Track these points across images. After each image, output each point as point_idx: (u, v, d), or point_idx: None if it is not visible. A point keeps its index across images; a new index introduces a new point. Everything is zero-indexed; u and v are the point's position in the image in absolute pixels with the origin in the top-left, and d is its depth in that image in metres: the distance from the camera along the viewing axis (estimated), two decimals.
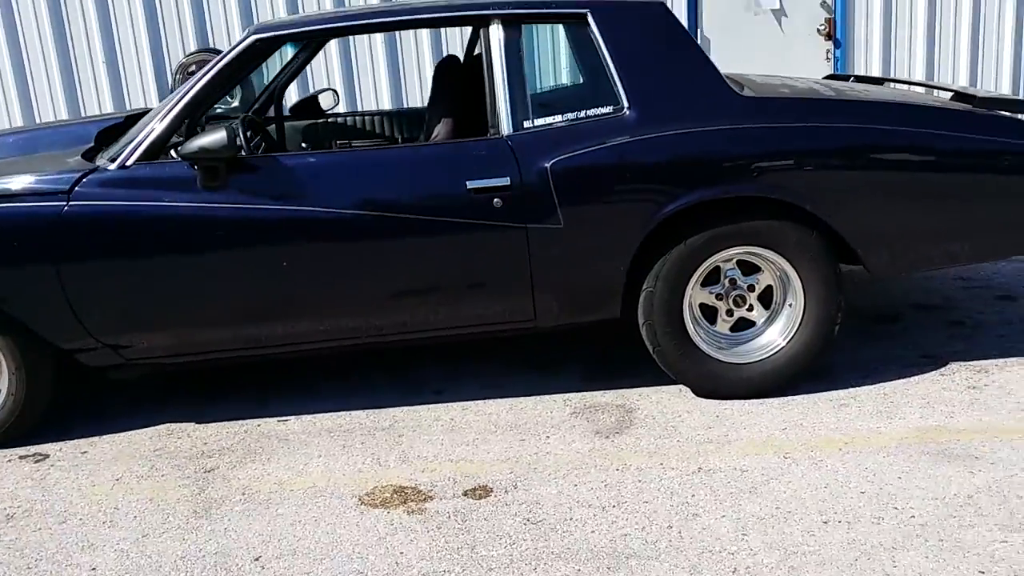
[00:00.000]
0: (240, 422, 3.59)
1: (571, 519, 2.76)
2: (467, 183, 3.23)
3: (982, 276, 4.64)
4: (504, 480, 3.02)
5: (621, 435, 3.28)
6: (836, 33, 6.61)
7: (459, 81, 3.73)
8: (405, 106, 6.51)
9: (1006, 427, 3.13)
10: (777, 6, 6.52)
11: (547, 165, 3.22)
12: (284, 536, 2.78)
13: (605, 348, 4.03)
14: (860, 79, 4.52)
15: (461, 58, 4.49)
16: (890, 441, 3.09)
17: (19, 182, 3.30)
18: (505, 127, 3.29)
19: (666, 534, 2.65)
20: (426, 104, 4.07)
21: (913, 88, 4.28)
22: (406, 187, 3.26)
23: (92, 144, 3.79)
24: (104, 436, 3.56)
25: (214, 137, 3.11)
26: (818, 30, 6.64)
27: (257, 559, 2.68)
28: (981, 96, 3.50)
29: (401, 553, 2.65)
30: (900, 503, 2.71)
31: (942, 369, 3.61)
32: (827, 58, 6.67)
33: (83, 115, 6.67)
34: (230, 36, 6.64)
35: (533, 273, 3.32)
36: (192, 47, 6.68)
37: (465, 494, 2.95)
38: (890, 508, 2.69)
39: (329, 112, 4.98)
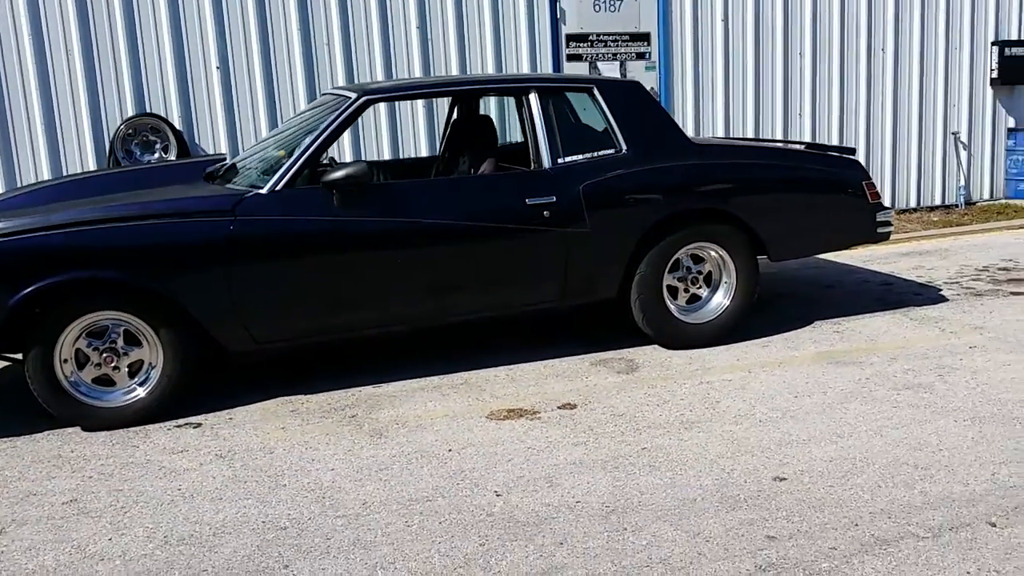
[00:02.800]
0: (342, 391, 4.63)
1: (641, 413, 4.17)
2: (527, 200, 4.61)
3: (810, 275, 6.66)
4: (578, 400, 4.37)
5: (636, 372, 4.74)
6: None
7: (486, 132, 5.12)
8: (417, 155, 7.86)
9: (866, 348, 4.97)
10: None
11: (579, 188, 4.69)
12: (454, 439, 3.95)
13: (579, 330, 5.48)
14: (733, 139, 6.40)
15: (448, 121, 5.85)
16: (805, 360, 4.81)
17: (186, 204, 4.24)
18: (546, 162, 4.73)
19: (707, 412, 4.14)
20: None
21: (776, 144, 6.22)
22: (485, 203, 4.58)
23: (202, 181, 4.74)
24: (235, 408, 4.46)
25: (357, 168, 4.27)
26: None
27: (449, 450, 3.83)
28: (829, 146, 5.45)
29: (547, 437, 3.93)
30: (830, 385, 4.41)
31: (813, 324, 5.44)
32: None
33: (19, 179, 7.15)
34: (166, 102, 7.44)
35: (567, 264, 4.73)
36: (130, 112, 7.39)
37: (559, 408, 4.27)
38: (827, 387, 4.38)
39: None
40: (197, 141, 7.56)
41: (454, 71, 8.05)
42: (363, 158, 7.73)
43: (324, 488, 3.52)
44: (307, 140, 4.45)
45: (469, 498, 3.38)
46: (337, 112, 4.53)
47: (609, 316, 5.26)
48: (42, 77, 7.12)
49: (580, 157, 4.80)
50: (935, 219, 9.08)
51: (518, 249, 4.64)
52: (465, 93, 5.23)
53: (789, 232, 5.16)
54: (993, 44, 9.51)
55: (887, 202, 9.25)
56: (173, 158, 7.37)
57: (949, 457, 3.54)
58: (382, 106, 7.80)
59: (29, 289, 3.96)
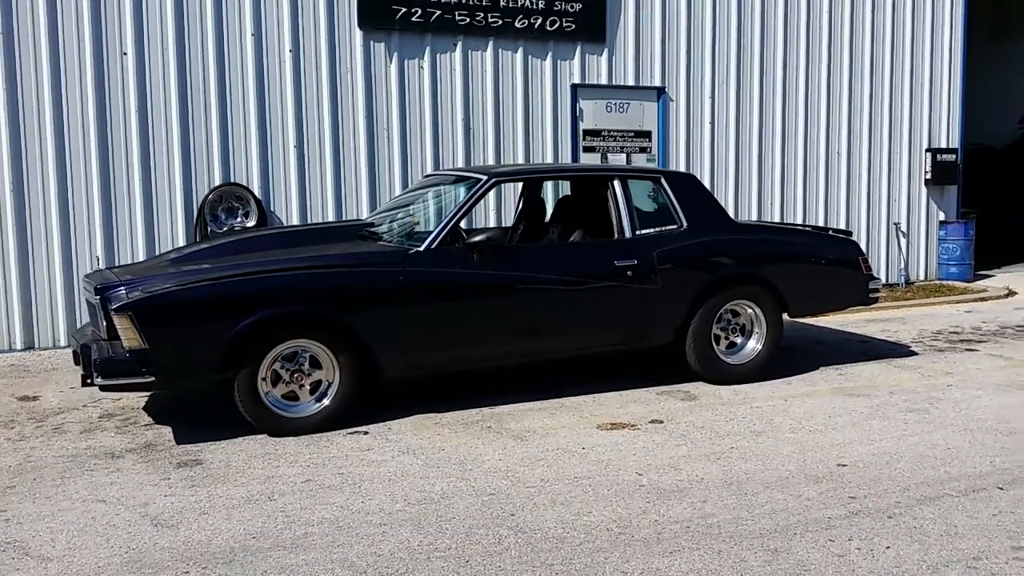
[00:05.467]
0: (466, 410, 5.74)
1: (716, 426, 5.42)
2: (615, 262, 5.90)
3: (800, 336, 8.08)
4: (662, 417, 5.59)
5: (696, 400, 6.00)
6: None
7: (573, 208, 6.42)
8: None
9: (869, 385, 6.35)
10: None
11: (654, 253, 6.00)
12: (581, 441, 5.11)
13: (633, 370, 6.73)
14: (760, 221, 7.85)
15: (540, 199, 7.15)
16: (825, 393, 6.15)
17: (368, 257, 5.39)
18: (627, 233, 6.04)
19: (767, 426, 5.41)
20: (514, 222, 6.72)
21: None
22: (586, 263, 5.85)
23: (358, 239, 5.92)
24: (388, 422, 5.52)
25: (494, 233, 5.50)
26: None
27: (583, 448, 4.99)
28: (831, 228, 6.93)
29: (652, 440, 5.13)
30: (852, 409, 5.74)
31: (819, 369, 6.82)
32: None
33: (116, 235, 8.10)
34: (248, 173, 8.52)
35: (642, 313, 6.01)
36: (217, 181, 8.44)
37: (650, 423, 5.48)
38: (850, 410, 5.71)
39: None
40: (273, 209, 8.65)
41: (491, 158, 9.38)
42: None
43: (503, 471, 4.64)
44: (450, 210, 5.67)
45: (618, 476, 4.55)
46: (472, 190, 5.77)
47: (649, 360, 6.53)
48: (143, 144, 8.14)
49: (651, 230, 6.13)
50: (883, 295, 10.69)
51: (607, 300, 5.90)
52: (563, 178, 6.55)
53: (806, 294, 6.56)
54: (927, 151, 11.36)
55: None
56: (253, 223, 8.43)
57: (957, 452, 4.88)
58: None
59: (248, 321, 5.01)
